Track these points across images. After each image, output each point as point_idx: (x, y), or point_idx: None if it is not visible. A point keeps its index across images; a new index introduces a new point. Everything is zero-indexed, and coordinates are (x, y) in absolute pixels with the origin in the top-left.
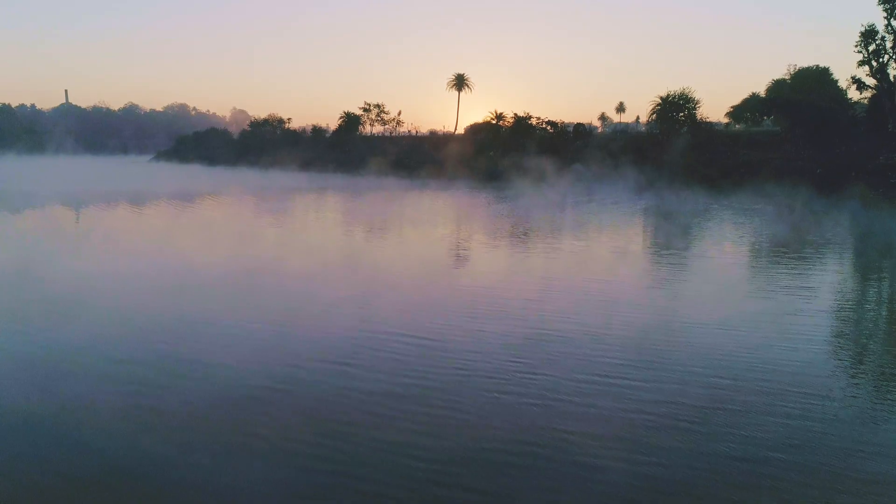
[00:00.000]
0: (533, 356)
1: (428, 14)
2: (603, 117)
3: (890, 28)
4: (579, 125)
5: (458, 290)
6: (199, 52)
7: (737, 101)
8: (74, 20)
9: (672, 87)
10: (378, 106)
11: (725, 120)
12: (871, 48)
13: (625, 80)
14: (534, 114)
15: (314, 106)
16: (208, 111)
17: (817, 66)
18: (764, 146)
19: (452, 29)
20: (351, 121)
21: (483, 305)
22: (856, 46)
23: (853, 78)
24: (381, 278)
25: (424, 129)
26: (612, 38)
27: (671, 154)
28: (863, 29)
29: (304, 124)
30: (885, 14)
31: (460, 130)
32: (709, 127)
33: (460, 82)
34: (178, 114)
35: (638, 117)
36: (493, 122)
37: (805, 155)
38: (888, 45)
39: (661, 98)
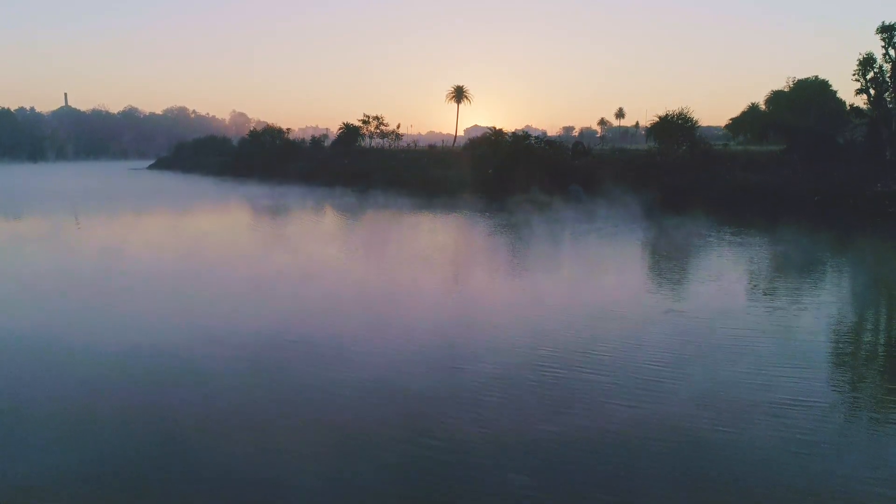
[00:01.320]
0: (543, 470)
1: (428, 14)
2: (603, 122)
3: (888, 57)
4: (577, 143)
5: (459, 371)
6: (198, 55)
7: (736, 102)
8: (73, 23)
9: (672, 88)
10: (377, 118)
11: (724, 127)
12: (868, 76)
13: (625, 81)
14: (534, 119)
15: (314, 107)
16: (208, 114)
17: (816, 77)
18: (762, 167)
19: (453, 29)
20: (350, 132)
21: (487, 392)
22: (853, 75)
23: (851, 106)
24: (377, 354)
25: (424, 131)
26: (613, 39)
27: (670, 175)
28: (861, 57)
29: (303, 125)
30: (884, 43)
31: (460, 137)
32: (707, 146)
33: (459, 95)
34: (177, 117)
35: (637, 122)
36: (492, 137)
37: (803, 179)
38: (886, 74)
39: (660, 117)
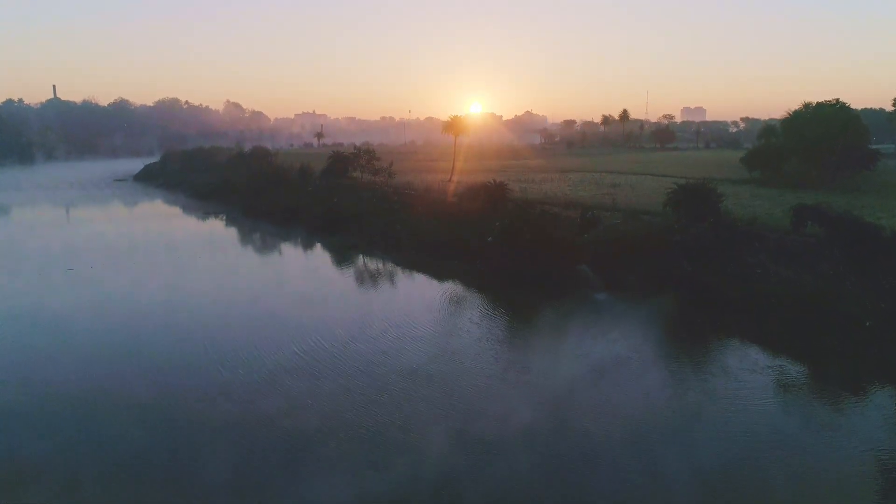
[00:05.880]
0: None
1: (430, 2)
2: (606, 120)
3: None
4: (586, 212)
5: None
6: (190, 44)
7: (747, 94)
8: (62, 14)
9: (679, 80)
10: (369, 152)
11: (740, 160)
12: None
13: (629, 74)
14: (535, 104)
15: (311, 93)
16: (201, 104)
17: (837, 100)
18: (795, 257)
19: (454, 11)
20: (340, 161)
21: None
22: None
23: None
24: None
25: (423, 117)
26: (619, 30)
27: (691, 261)
28: None
29: (300, 111)
30: None
31: (459, 158)
32: (732, 224)
33: (457, 127)
34: (170, 108)
35: (642, 125)
36: (495, 191)
37: (847, 286)
38: None
39: (679, 186)
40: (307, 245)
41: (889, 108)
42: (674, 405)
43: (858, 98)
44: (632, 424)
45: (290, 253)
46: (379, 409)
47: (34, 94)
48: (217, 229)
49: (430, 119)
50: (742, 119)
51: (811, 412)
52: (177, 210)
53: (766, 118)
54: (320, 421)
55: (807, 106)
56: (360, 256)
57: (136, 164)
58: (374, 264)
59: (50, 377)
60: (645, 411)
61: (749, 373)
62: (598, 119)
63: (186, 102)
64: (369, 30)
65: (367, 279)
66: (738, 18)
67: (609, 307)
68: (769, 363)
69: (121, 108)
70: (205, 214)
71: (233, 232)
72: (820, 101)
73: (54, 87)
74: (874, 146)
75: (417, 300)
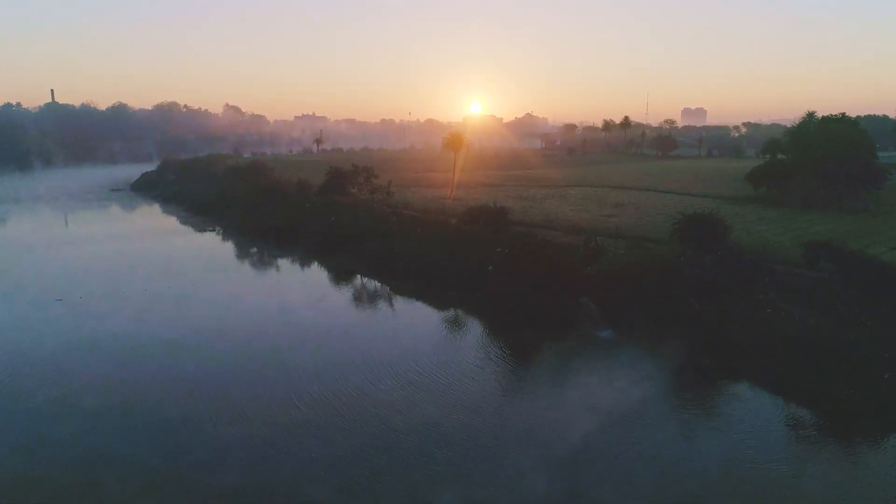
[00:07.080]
0: None
1: (430, 2)
2: (607, 126)
3: None
4: (589, 240)
5: None
6: (189, 47)
7: (750, 96)
8: (60, 14)
9: (680, 84)
10: (367, 169)
11: (745, 178)
12: None
13: (629, 78)
14: (536, 106)
15: (311, 95)
16: (200, 108)
17: (843, 114)
18: (807, 294)
19: (455, 12)
20: (338, 177)
21: None
22: None
23: None
24: None
25: (423, 118)
26: (621, 32)
27: (699, 295)
28: None
29: (300, 114)
30: None
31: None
32: (741, 256)
33: (457, 143)
34: (168, 113)
35: (643, 131)
36: (495, 214)
37: (863, 330)
38: None
39: (685, 216)
40: (304, 268)
41: (892, 115)
42: (690, 469)
43: (860, 100)
44: (647, 493)
45: (288, 279)
46: (383, 476)
47: (32, 97)
48: (214, 251)
49: (430, 121)
50: (744, 124)
51: (836, 482)
52: (173, 225)
53: (768, 122)
54: (326, 490)
55: (810, 116)
56: (359, 283)
57: (135, 171)
58: (373, 293)
59: (45, 435)
60: (660, 477)
61: (766, 430)
62: (598, 122)
63: (185, 106)
64: (369, 30)
65: (367, 312)
66: (739, 19)
67: (615, 349)
68: (787, 419)
69: (119, 113)
70: (201, 232)
71: (230, 254)
72: (823, 107)
73: (52, 90)
74: (878, 153)
75: (420, 338)
